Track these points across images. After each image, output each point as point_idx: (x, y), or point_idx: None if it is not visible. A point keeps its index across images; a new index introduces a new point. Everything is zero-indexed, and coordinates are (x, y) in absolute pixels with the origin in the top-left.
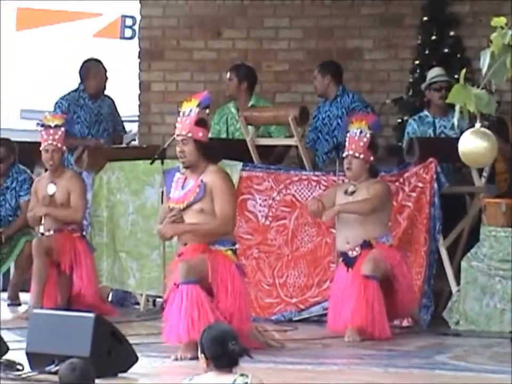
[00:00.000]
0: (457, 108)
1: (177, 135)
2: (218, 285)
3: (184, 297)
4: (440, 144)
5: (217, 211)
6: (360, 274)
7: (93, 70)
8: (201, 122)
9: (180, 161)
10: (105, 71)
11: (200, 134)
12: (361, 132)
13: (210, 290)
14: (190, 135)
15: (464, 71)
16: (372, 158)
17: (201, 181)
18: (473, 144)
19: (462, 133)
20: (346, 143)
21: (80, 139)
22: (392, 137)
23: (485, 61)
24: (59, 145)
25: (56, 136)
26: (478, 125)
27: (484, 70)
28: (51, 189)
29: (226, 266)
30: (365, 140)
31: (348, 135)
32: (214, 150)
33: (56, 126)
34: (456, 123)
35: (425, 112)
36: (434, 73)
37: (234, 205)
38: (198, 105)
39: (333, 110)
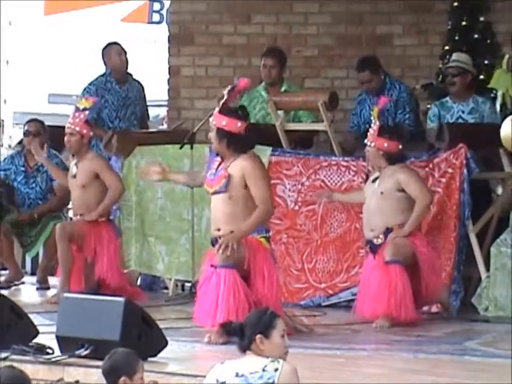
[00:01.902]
0: (499, 93)
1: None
2: (255, 271)
3: (221, 281)
4: (470, 129)
5: (258, 197)
6: (382, 262)
7: (108, 53)
8: (228, 112)
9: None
10: (124, 52)
11: (223, 123)
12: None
13: (246, 276)
14: (214, 122)
15: (507, 56)
16: (385, 145)
17: (227, 172)
18: None
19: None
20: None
21: (101, 129)
22: (423, 122)
23: None
24: (77, 128)
25: (77, 120)
26: None
27: None
28: (73, 170)
29: (262, 254)
30: (374, 127)
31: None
32: (242, 139)
33: (83, 109)
34: (498, 108)
35: (447, 98)
36: (453, 58)
37: (271, 190)
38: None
39: None
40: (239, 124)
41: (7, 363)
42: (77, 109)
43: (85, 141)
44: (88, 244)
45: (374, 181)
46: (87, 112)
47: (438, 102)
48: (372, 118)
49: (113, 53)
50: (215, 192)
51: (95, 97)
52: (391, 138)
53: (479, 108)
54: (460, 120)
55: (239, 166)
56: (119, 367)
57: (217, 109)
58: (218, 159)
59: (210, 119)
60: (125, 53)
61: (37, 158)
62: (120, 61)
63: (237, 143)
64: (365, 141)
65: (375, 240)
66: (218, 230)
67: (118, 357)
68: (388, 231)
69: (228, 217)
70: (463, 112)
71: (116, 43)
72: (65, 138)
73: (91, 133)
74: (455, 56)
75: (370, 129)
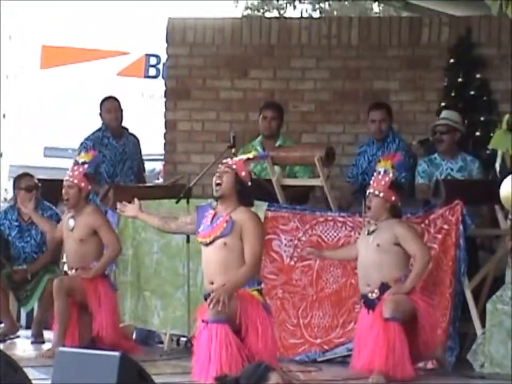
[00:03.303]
0: (499, 153)
1: (222, 164)
2: (248, 326)
3: (213, 336)
4: (467, 185)
5: (248, 252)
6: (380, 317)
7: (101, 109)
8: (247, 171)
9: (214, 191)
10: (116, 108)
11: (243, 173)
12: (385, 171)
13: (238, 330)
14: (234, 167)
15: (507, 116)
16: (393, 198)
17: (230, 217)
18: None
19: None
20: (371, 182)
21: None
22: None
23: None
24: (75, 181)
25: (75, 173)
26: None
27: None
28: (70, 223)
29: (255, 307)
30: (386, 178)
31: (374, 174)
32: (249, 193)
33: (82, 163)
34: (498, 168)
35: (436, 155)
36: (442, 115)
37: (263, 247)
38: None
39: (379, 154)
40: (249, 178)
41: None
42: (76, 163)
43: (83, 194)
44: (87, 299)
45: (369, 233)
46: (86, 166)
47: (427, 159)
48: (380, 168)
49: (104, 109)
50: (214, 239)
51: (94, 151)
52: (398, 193)
53: (468, 166)
54: (449, 177)
55: (239, 216)
56: None
57: (240, 158)
58: (211, 211)
59: (222, 167)
60: (118, 108)
61: (23, 211)
62: (109, 118)
63: (245, 195)
64: (370, 190)
65: (369, 295)
66: (212, 283)
67: None
68: (383, 286)
69: (222, 267)
70: (452, 169)
71: (109, 98)
72: (63, 190)
73: (89, 187)
74: (444, 113)
75: (376, 179)
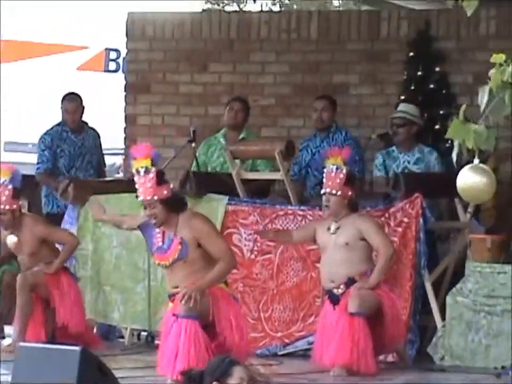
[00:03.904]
0: (456, 143)
1: (143, 201)
2: (221, 320)
3: (182, 332)
4: (426, 179)
5: (215, 252)
6: (346, 312)
7: (63, 106)
8: (161, 180)
9: (151, 222)
10: (76, 106)
11: (165, 192)
12: (337, 168)
13: (211, 326)
14: (155, 198)
15: (464, 107)
16: (349, 193)
17: (181, 238)
18: (473, 180)
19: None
20: (324, 180)
21: (53, 180)
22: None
23: (483, 98)
24: (7, 207)
25: (3, 198)
26: (476, 160)
27: (483, 107)
28: (13, 239)
29: (225, 301)
30: (341, 175)
31: (325, 171)
32: (179, 199)
33: (4, 182)
34: (454, 158)
35: (393, 147)
36: (398, 108)
37: (224, 239)
38: (152, 164)
39: (324, 146)
40: (171, 186)
41: None
42: None
43: (17, 213)
44: (51, 293)
45: (333, 232)
46: (10, 186)
47: (385, 151)
48: (331, 165)
49: (63, 108)
50: (174, 262)
51: (9, 166)
52: (353, 186)
53: (425, 158)
54: (406, 170)
55: (187, 227)
56: None
57: (151, 183)
58: (159, 230)
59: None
60: (77, 108)
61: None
62: (67, 118)
63: (177, 203)
64: (326, 189)
65: (335, 291)
66: (176, 287)
67: None
68: (349, 281)
69: (186, 279)
70: (408, 162)
71: (69, 97)
72: None
73: (20, 202)
74: (401, 106)
75: (329, 177)
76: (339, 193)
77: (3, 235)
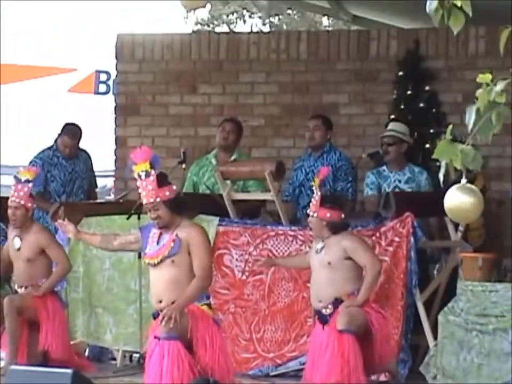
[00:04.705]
0: (442, 163)
1: (146, 204)
2: (198, 340)
3: (165, 353)
4: (417, 198)
5: (197, 266)
6: (334, 330)
7: (60, 136)
8: (163, 181)
9: (155, 224)
10: (78, 136)
11: (167, 193)
12: (313, 191)
13: (190, 345)
14: (158, 199)
15: (451, 126)
16: (328, 215)
17: (176, 235)
18: (460, 199)
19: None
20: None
21: (44, 202)
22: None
23: (470, 117)
24: (22, 202)
25: (21, 193)
26: (464, 180)
27: (470, 127)
28: (16, 243)
29: (205, 322)
30: (316, 198)
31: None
32: (183, 202)
33: (26, 181)
34: (441, 179)
35: (384, 167)
36: (389, 127)
37: (211, 258)
38: (152, 167)
39: (318, 166)
40: (174, 188)
41: None
42: (19, 181)
43: (29, 214)
44: (36, 317)
45: (318, 252)
46: (30, 184)
47: (375, 170)
48: (314, 187)
49: (60, 141)
50: (162, 260)
51: (36, 169)
52: (333, 207)
53: (416, 177)
54: (397, 189)
55: (184, 231)
56: None
57: (152, 186)
58: (156, 231)
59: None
60: (76, 140)
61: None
62: (63, 151)
63: (180, 206)
64: (307, 211)
65: (323, 311)
66: (160, 301)
67: None
68: (336, 301)
69: (171, 284)
70: (399, 181)
71: (72, 129)
72: (10, 211)
73: (34, 206)
74: (391, 125)
75: (312, 200)
76: (315, 215)
77: (8, 239)
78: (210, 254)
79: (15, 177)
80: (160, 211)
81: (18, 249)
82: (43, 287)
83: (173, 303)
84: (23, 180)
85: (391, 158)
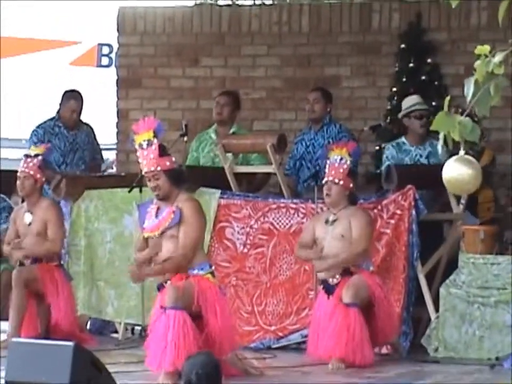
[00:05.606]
0: (441, 135)
1: (146, 172)
2: (207, 309)
3: (171, 324)
4: (419, 171)
5: (180, 239)
6: (340, 303)
7: (63, 104)
8: (164, 152)
9: (154, 195)
10: (81, 102)
11: (168, 164)
12: (341, 159)
13: (195, 316)
14: (159, 168)
15: (448, 98)
16: (351, 185)
17: (176, 206)
18: (458, 171)
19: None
20: (326, 170)
21: (52, 172)
22: (370, 164)
23: (469, 89)
24: (31, 172)
25: (31, 164)
26: (462, 152)
27: (468, 98)
28: (28, 218)
29: (212, 290)
30: (345, 166)
31: (328, 162)
32: (182, 175)
33: (35, 156)
34: (440, 151)
35: (403, 139)
36: (413, 101)
37: (200, 234)
38: (155, 135)
39: (318, 139)
40: (174, 159)
41: None
42: (28, 156)
43: (38, 185)
44: (45, 289)
45: (330, 223)
46: (40, 157)
47: (395, 143)
48: (336, 156)
49: (66, 107)
50: (163, 231)
51: (45, 145)
52: (354, 180)
53: (436, 151)
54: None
55: (183, 204)
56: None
57: (153, 154)
58: (154, 206)
59: (152, 168)
60: (80, 107)
61: (15, 257)
62: (69, 117)
63: (180, 178)
64: (329, 178)
65: (330, 280)
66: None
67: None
68: (345, 271)
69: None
70: (421, 156)
71: (74, 96)
72: (18, 182)
73: (43, 179)
74: (414, 99)
75: (332, 167)
76: (341, 182)
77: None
78: (199, 232)
79: (25, 154)
80: (160, 181)
81: (29, 224)
82: (24, 250)
83: (164, 261)
84: (32, 154)
85: (423, 131)
